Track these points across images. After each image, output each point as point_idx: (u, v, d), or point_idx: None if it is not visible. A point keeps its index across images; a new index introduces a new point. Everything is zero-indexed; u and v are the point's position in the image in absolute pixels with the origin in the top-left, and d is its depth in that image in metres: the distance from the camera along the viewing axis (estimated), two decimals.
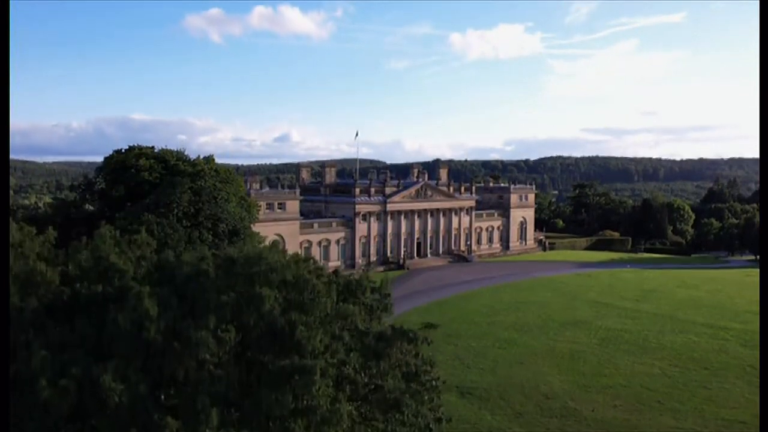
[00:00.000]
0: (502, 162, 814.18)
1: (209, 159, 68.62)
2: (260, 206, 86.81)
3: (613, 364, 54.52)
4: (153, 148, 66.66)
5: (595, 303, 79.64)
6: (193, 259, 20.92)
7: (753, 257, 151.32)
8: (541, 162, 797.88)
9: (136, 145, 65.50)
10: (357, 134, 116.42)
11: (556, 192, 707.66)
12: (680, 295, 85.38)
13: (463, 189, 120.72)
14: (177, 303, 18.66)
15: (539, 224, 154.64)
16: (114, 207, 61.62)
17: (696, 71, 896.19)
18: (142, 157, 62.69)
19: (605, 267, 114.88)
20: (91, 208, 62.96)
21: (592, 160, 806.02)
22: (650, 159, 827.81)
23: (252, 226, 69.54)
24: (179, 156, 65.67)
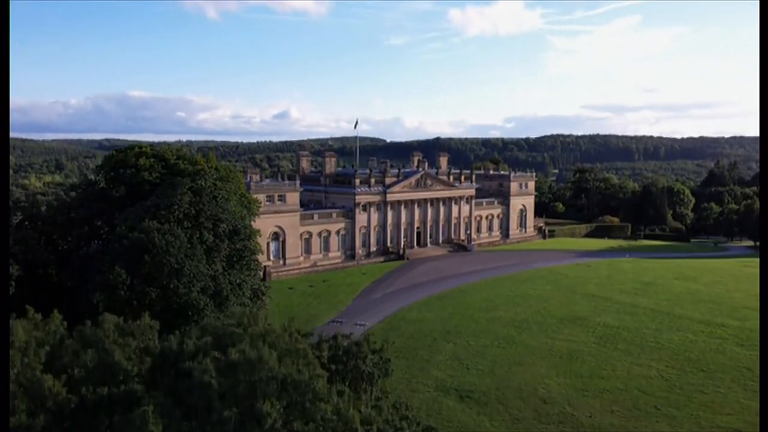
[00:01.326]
0: (502, 140, 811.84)
1: (208, 156, 68.52)
2: (260, 201, 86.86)
3: (610, 365, 55.06)
4: (152, 145, 66.55)
5: (594, 297, 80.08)
6: (195, 347, 20.80)
7: (752, 243, 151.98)
8: (542, 140, 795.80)
9: (135, 144, 65.26)
10: (357, 123, 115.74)
11: (556, 171, 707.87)
12: (678, 288, 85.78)
13: (463, 178, 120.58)
14: (180, 415, 18.81)
15: (539, 208, 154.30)
16: (115, 206, 61.66)
17: (697, 48, 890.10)
18: (142, 156, 62.46)
19: (604, 256, 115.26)
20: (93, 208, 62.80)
21: (593, 139, 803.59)
22: (651, 137, 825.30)
23: (252, 223, 69.69)
24: (179, 154, 65.54)
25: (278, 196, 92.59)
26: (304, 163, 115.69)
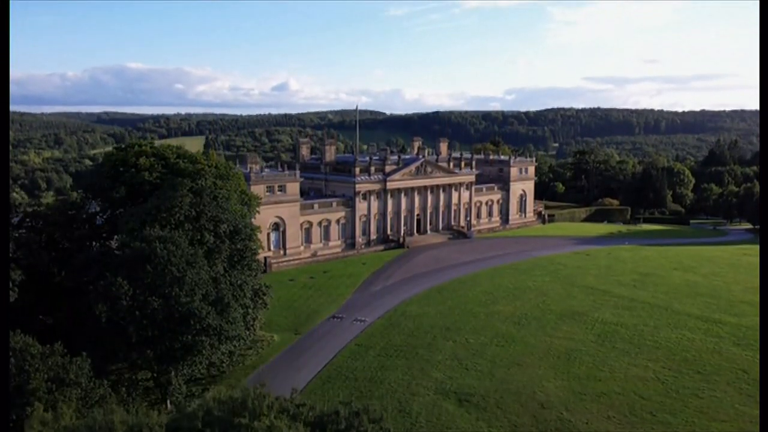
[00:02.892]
0: (502, 113, 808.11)
1: (209, 154, 68.52)
2: (260, 193, 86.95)
3: (608, 366, 55.70)
4: (153, 142, 66.62)
5: (592, 290, 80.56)
6: None
7: (750, 226, 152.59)
8: (542, 114, 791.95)
9: (135, 142, 65.21)
10: (357, 108, 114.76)
11: (556, 145, 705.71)
12: (677, 280, 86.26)
13: (463, 164, 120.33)
14: None
15: (540, 188, 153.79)
16: (116, 206, 61.87)
17: (699, 19, 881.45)
18: (142, 155, 62.43)
19: (603, 243, 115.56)
20: (94, 208, 62.97)
21: (593, 112, 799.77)
22: (652, 111, 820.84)
23: (253, 220, 70.00)
24: (179, 153, 65.48)
25: (278, 186, 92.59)
26: (304, 150, 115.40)
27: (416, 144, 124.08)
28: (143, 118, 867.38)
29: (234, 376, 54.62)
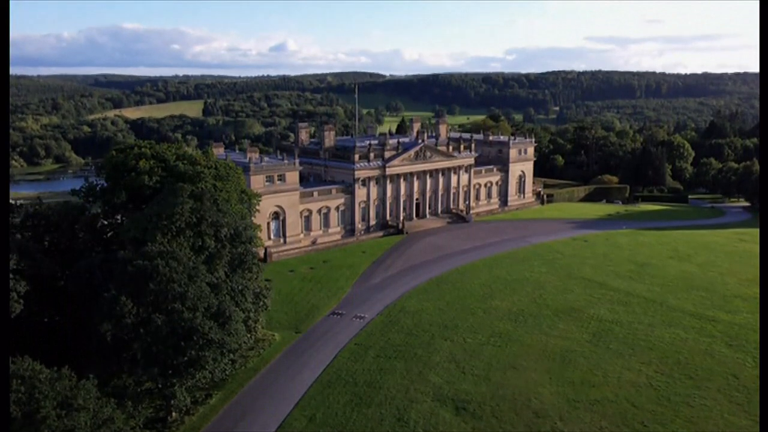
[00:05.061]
0: (503, 76, 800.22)
1: (207, 152, 68.76)
2: (260, 190, 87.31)
3: (602, 370, 56.99)
4: (152, 143, 66.87)
5: (590, 282, 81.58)
6: None
7: (747, 204, 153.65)
8: (543, 77, 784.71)
9: (135, 143, 65.40)
10: (357, 89, 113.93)
11: (557, 108, 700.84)
12: (673, 270, 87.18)
13: (462, 146, 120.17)
14: None
15: (539, 162, 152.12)
16: (117, 209, 62.41)
17: None
18: (141, 157, 62.72)
19: (601, 227, 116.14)
20: (95, 210, 63.49)
21: (595, 75, 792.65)
22: (653, 73, 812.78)
23: (253, 219, 70.62)
24: (178, 153, 65.71)
25: (278, 176, 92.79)
26: (303, 135, 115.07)
27: (416, 126, 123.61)
28: (141, 81, 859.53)
29: (236, 380, 55.85)
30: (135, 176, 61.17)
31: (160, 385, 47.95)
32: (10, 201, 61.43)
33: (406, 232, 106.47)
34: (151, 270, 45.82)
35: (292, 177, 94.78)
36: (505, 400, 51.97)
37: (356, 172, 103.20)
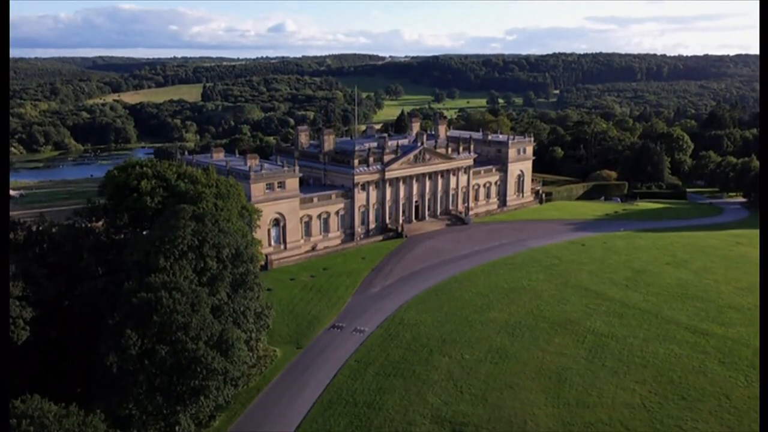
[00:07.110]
0: (503, 58, 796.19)
1: (208, 170, 69.48)
2: (260, 190, 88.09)
3: (597, 389, 58.16)
4: (153, 162, 67.61)
5: (586, 291, 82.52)
6: None
7: (744, 199, 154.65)
8: (543, 59, 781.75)
9: (137, 162, 66.11)
10: (357, 89, 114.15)
11: (557, 91, 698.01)
12: (669, 278, 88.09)
13: (461, 147, 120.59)
14: None
15: (538, 154, 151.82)
16: (119, 230, 63.18)
17: None
18: (143, 177, 63.42)
19: (599, 229, 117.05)
20: (98, 227, 64.28)
21: (595, 57, 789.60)
22: (654, 55, 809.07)
23: (253, 233, 71.53)
24: (179, 172, 66.36)
25: (278, 183, 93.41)
26: (303, 138, 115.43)
27: (415, 126, 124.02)
28: (139, 64, 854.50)
29: (239, 400, 57.08)
30: (137, 197, 61.93)
31: (165, 411, 49.11)
32: (11, 220, 61.91)
33: (406, 236, 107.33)
34: (155, 302, 46.78)
35: (292, 183, 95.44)
36: (502, 422, 53.26)
37: (356, 177, 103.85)
